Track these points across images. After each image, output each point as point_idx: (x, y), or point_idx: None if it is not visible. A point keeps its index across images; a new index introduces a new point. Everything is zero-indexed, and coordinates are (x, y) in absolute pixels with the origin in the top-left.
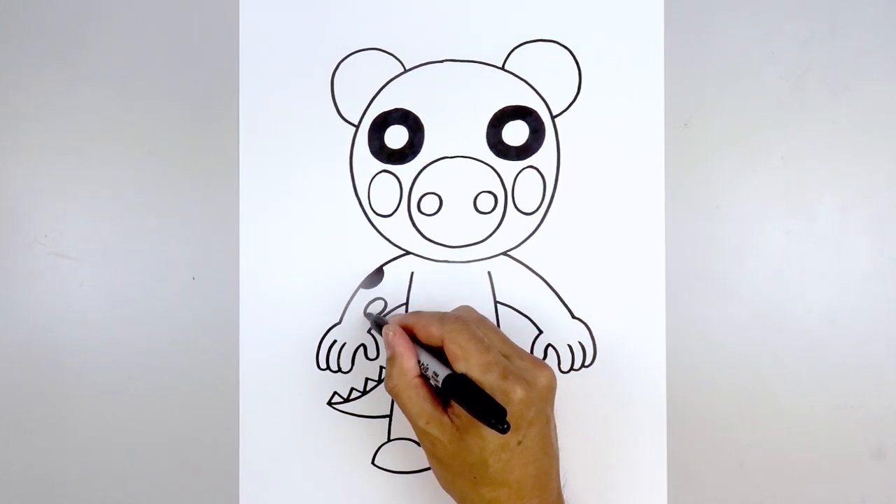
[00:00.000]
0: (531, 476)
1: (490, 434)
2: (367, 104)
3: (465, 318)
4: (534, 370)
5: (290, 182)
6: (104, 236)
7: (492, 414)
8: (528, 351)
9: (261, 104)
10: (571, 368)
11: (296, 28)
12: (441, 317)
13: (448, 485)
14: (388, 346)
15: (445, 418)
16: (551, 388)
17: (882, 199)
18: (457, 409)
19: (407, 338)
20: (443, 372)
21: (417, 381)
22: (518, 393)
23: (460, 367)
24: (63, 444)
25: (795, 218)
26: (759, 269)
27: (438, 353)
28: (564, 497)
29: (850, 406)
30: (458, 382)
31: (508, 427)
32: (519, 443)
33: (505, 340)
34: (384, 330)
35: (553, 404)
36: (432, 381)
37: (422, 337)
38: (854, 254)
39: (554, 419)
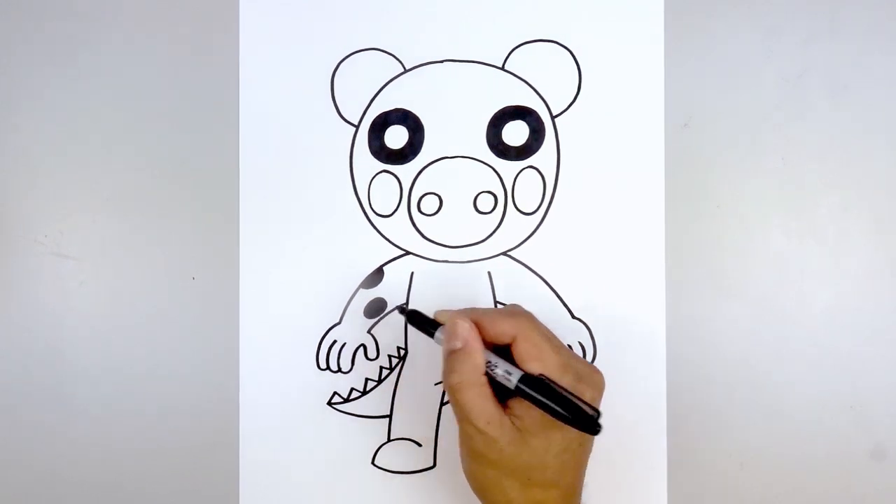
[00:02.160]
0: (579, 477)
1: (557, 435)
2: (367, 104)
3: (533, 317)
4: (591, 372)
5: (290, 182)
6: (104, 236)
7: (580, 417)
8: None
9: (261, 104)
10: None
11: (296, 28)
12: (510, 313)
13: (489, 485)
14: (457, 337)
15: (507, 420)
16: (603, 391)
17: (882, 199)
18: (517, 409)
19: (478, 332)
20: (516, 371)
21: (484, 378)
22: (588, 395)
23: (534, 368)
24: (63, 443)
25: (795, 218)
26: (759, 269)
27: (500, 352)
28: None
29: (850, 406)
30: (541, 384)
31: (601, 428)
32: (580, 444)
33: (561, 342)
34: (451, 321)
35: None
36: (501, 380)
37: (490, 333)
38: (854, 254)
39: None
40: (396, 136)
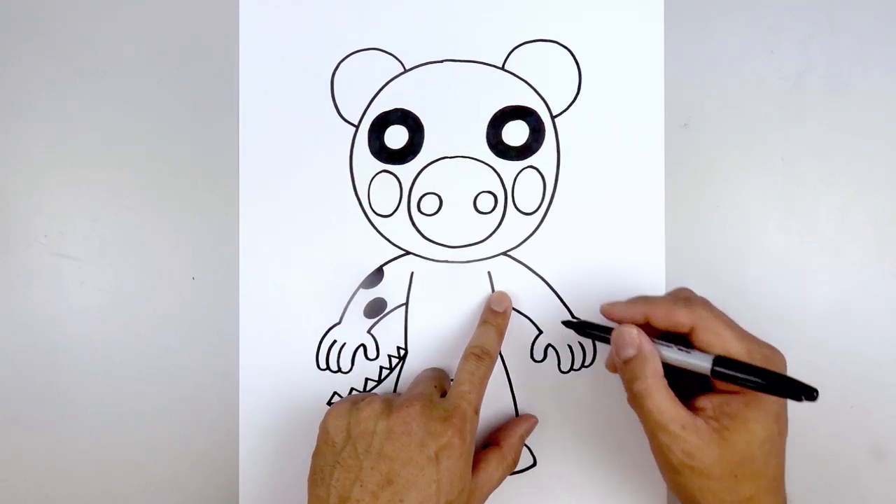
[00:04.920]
0: (781, 466)
1: (756, 426)
2: (367, 104)
3: (710, 303)
4: (774, 354)
5: (290, 182)
6: (104, 236)
7: (795, 386)
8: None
9: (261, 104)
10: (571, 368)
11: (296, 28)
12: (685, 301)
13: (700, 496)
14: (629, 345)
15: (699, 420)
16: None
17: (882, 199)
18: (707, 409)
19: (646, 335)
20: (704, 356)
21: (666, 381)
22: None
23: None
24: (62, 444)
25: (795, 218)
26: (759, 269)
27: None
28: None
29: (850, 406)
30: (737, 364)
31: (817, 393)
32: (779, 433)
33: (740, 327)
34: (617, 332)
35: None
36: (694, 368)
37: (663, 324)
38: (854, 254)
39: None
40: (396, 136)
